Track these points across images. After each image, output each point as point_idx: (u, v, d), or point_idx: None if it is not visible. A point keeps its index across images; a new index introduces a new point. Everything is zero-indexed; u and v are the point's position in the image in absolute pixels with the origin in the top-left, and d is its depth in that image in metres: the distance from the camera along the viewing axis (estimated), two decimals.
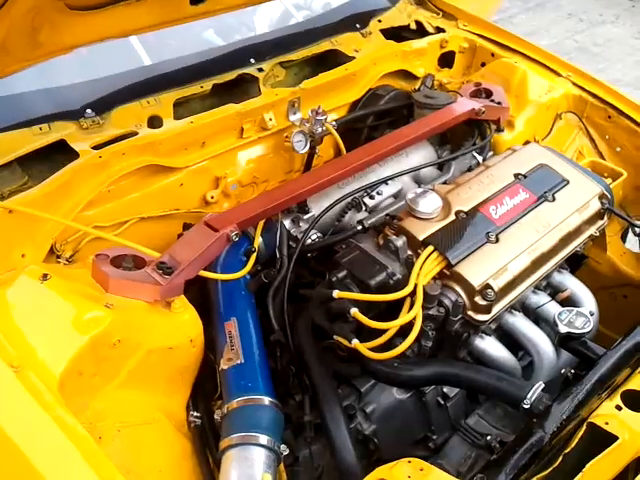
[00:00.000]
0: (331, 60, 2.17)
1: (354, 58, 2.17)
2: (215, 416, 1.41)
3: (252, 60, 2.01)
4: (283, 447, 1.33)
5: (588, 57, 5.87)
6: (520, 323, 1.66)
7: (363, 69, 2.15)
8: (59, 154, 1.69)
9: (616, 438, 1.37)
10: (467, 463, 1.46)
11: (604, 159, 2.24)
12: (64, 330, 1.30)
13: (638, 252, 2.14)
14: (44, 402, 1.16)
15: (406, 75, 2.33)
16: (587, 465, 1.32)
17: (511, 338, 1.66)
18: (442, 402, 1.62)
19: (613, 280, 2.16)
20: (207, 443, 1.43)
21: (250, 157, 1.96)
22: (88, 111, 1.73)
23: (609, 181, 2.04)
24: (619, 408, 1.43)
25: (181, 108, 1.88)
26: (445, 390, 1.62)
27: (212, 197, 1.87)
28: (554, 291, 1.80)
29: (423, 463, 1.22)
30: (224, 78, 1.94)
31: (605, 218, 1.84)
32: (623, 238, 2.31)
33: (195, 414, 1.46)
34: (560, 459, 1.34)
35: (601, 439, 1.38)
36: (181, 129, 1.78)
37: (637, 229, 2.04)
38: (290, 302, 1.61)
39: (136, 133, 1.75)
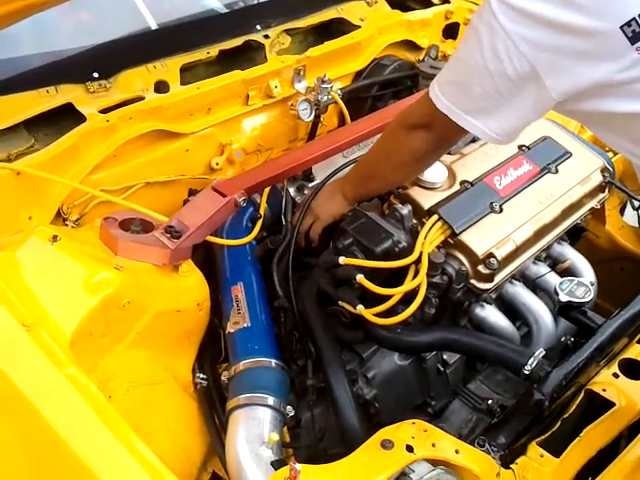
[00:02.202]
0: (336, 29, 2.16)
1: (359, 27, 2.16)
2: (222, 378, 1.43)
3: (258, 27, 2.00)
4: (289, 408, 1.36)
5: None
6: (520, 293, 1.68)
7: (368, 38, 2.14)
8: (66, 117, 1.69)
9: (613, 404, 1.42)
10: (468, 426, 1.49)
11: None
12: (75, 291, 1.31)
13: (636, 226, 2.17)
14: (56, 359, 1.18)
15: (410, 46, 2.32)
16: (584, 430, 1.37)
17: (510, 307, 1.69)
18: (442, 369, 1.65)
19: (611, 253, 2.19)
20: (213, 404, 1.46)
21: (255, 124, 1.96)
22: (95, 74, 1.72)
23: (610, 155, 2.06)
24: (616, 376, 1.47)
25: (187, 74, 1.87)
26: (445, 357, 1.65)
27: (217, 164, 1.87)
28: (553, 262, 1.83)
29: (427, 425, 1.25)
30: (230, 44, 1.93)
31: (606, 191, 1.86)
32: (621, 212, 2.33)
33: (201, 376, 1.49)
34: (559, 424, 1.38)
35: (598, 405, 1.42)
36: (188, 94, 1.78)
37: (636, 203, 2.06)
38: (294, 270, 1.63)
39: (143, 98, 1.75)
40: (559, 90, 1.15)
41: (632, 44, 1.07)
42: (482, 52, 1.16)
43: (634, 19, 1.06)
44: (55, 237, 1.38)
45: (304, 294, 1.59)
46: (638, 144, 1.19)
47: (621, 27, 1.06)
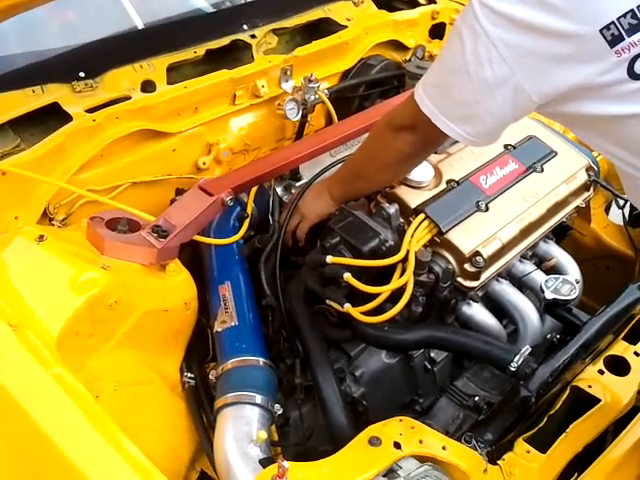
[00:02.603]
0: (323, 28, 2.17)
1: (346, 27, 2.16)
2: (210, 377, 1.43)
3: (245, 26, 2.00)
4: (277, 407, 1.36)
5: None
6: (506, 291, 1.70)
7: (355, 38, 2.15)
8: (52, 117, 1.68)
9: (598, 400, 1.43)
10: (455, 423, 1.50)
11: None
12: (61, 291, 1.31)
13: (621, 225, 2.19)
14: (43, 359, 1.18)
15: (397, 46, 2.33)
16: (571, 425, 1.38)
17: (497, 305, 1.71)
18: (429, 366, 1.66)
19: (596, 252, 2.21)
20: (201, 403, 1.46)
21: (242, 124, 1.96)
22: (81, 74, 1.72)
23: (595, 154, 2.07)
24: (602, 372, 1.48)
25: (174, 73, 1.87)
26: (432, 355, 1.66)
27: (204, 163, 1.87)
28: (539, 260, 1.85)
29: (414, 422, 1.26)
30: (217, 44, 1.93)
31: (591, 190, 1.88)
32: (607, 211, 2.35)
33: (189, 375, 1.49)
34: (545, 420, 1.39)
35: (584, 401, 1.44)
36: (175, 94, 1.78)
37: (621, 201, 2.08)
38: (282, 269, 1.63)
39: (129, 97, 1.74)
40: (539, 93, 1.16)
41: (611, 47, 1.08)
42: (464, 56, 1.17)
43: (613, 22, 1.07)
44: (41, 237, 1.37)
45: (291, 293, 1.59)
46: (619, 146, 1.20)
47: (600, 30, 1.07)
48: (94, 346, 1.35)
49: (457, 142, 1.82)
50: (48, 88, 1.69)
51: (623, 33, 1.07)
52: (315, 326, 1.55)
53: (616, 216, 2.24)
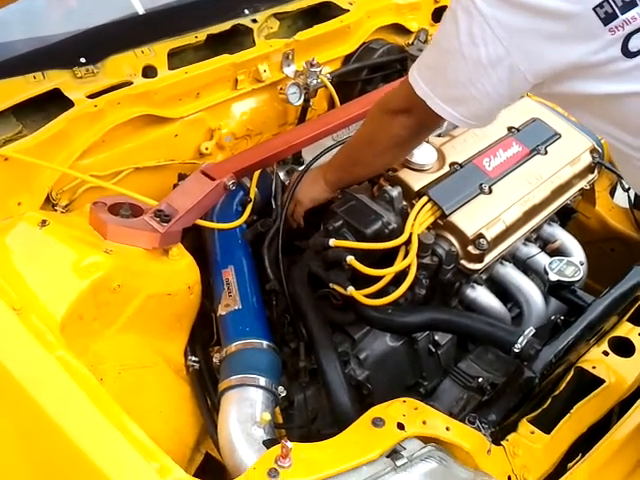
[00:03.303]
0: (325, 12, 2.15)
1: (348, 11, 2.15)
2: (214, 360, 1.44)
3: (246, 11, 1.99)
4: (281, 389, 1.37)
5: None
6: (510, 273, 1.69)
7: (357, 22, 2.13)
8: (53, 103, 1.68)
9: (603, 381, 1.43)
10: (459, 405, 1.50)
11: None
12: (64, 275, 1.31)
13: (626, 207, 2.17)
14: (46, 342, 1.18)
15: (399, 30, 2.31)
16: (575, 406, 1.38)
17: (501, 288, 1.70)
18: (433, 349, 1.66)
19: (601, 234, 2.20)
20: (205, 386, 1.46)
21: (244, 109, 1.95)
22: (82, 60, 1.71)
23: (600, 136, 2.06)
24: (606, 354, 1.48)
25: (175, 59, 1.86)
26: (436, 338, 1.66)
27: (206, 148, 1.87)
28: (544, 243, 1.84)
29: (418, 402, 1.26)
30: (218, 29, 1.92)
31: (595, 172, 1.87)
32: (612, 194, 2.34)
33: (193, 358, 1.49)
34: (549, 401, 1.39)
35: (588, 383, 1.44)
36: (176, 79, 1.77)
37: (626, 184, 2.07)
38: (285, 254, 1.63)
39: (131, 83, 1.74)
40: (534, 73, 1.15)
41: (605, 25, 1.07)
42: (459, 37, 1.16)
43: (606, 0, 1.06)
44: (44, 222, 1.38)
45: (295, 277, 1.59)
46: (615, 126, 1.19)
47: (594, 9, 1.06)
48: (98, 330, 1.35)
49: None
50: (49, 74, 1.68)
51: (617, 10, 1.06)
52: (319, 309, 1.55)
53: (621, 199, 2.23)
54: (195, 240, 1.67)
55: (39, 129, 1.60)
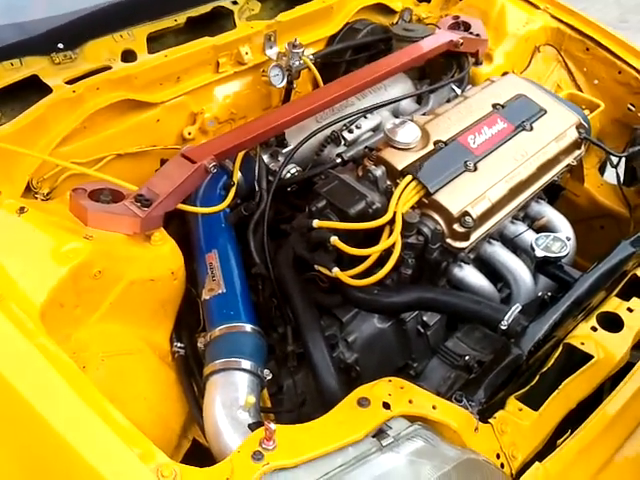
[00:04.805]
0: None
1: None
2: (198, 344, 1.42)
3: None
4: (266, 372, 1.35)
5: None
6: (498, 252, 1.68)
7: (340, 2, 2.11)
8: (32, 91, 1.65)
9: (591, 357, 1.41)
10: (447, 384, 1.49)
11: (582, 92, 2.24)
12: (43, 262, 1.29)
13: (615, 184, 2.16)
14: (26, 330, 1.16)
15: (383, 9, 2.29)
16: (563, 383, 1.36)
17: (490, 268, 1.69)
18: (422, 330, 1.65)
19: (590, 212, 2.19)
20: (191, 372, 1.45)
21: (227, 92, 1.93)
22: (60, 45, 1.69)
23: (587, 112, 2.05)
24: (594, 329, 1.47)
25: (155, 43, 1.84)
26: (425, 318, 1.65)
27: (189, 133, 1.85)
28: (532, 221, 1.82)
29: (404, 382, 1.25)
30: (198, 11, 1.90)
31: (582, 147, 1.85)
32: (601, 171, 2.33)
33: (179, 345, 1.48)
34: (537, 378, 1.38)
35: (577, 359, 1.42)
36: (155, 63, 1.75)
37: (614, 159, 2.05)
38: (271, 238, 1.62)
39: (110, 67, 1.72)
40: None
41: None
42: None
43: None
44: (22, 209, 1.36)
45: (281, 260, 1.58)
46: None
47: None
48: (80, 317, 1.34)
49: (445, 103, 1.82)
50: (26, 61, 1.66)
51: None
52: (305, 292, 1.54)
53: (611, 177, 2.22)
54: (180, 227, 1.65)
55: (17, 116, 1.58)
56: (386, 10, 2.28)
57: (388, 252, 1.47)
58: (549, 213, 1.80)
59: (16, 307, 1.20)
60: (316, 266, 1.50)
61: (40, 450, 1.11)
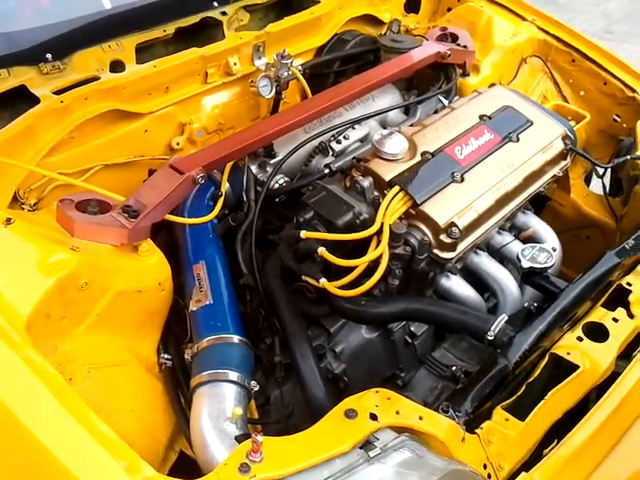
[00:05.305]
0: (296, 4, 2.15)
1: (319, 2, 2.14)
2: (185, 356, 1.42)
3: (215, 3, 1.97)
4: (253, 383, 1.35)
5: (554, 8, 5.84)
6: (484, 262, 1.69)
7: (329, 13, 2.13)
8: (20, 101, 1.65)
9: (577, 367, 1.42)
10: (434, 394, 1.49)
11: (568, 103, 2.26)
12: (29, 273, 1.28)
13: (601, 194, 2.18)
14: (12, 342, 1.16)
15: (372, 20, 2.31)
16: (549, 392, 1.37)
17: (476, 278, 1.70)
18: (409, 340, 1.65)
19: (577, 222, 2.20)
20: (179, 383, 1.45)
21: (215, 103, 1.94)
22: (48, 56, 1.69)
23: (573, 124, 2.06)
24: (580, 339, 1.48)
25: (144, 53, 1.85)
26: (412, 328, 1.65)
27: (177, 143, 1.85)
28: (518, 232, 1.83)
29: (390, 393, 1.25)
30: (187, 22, 1.91)
31: (568, 158, 1.87)
32: (587, 181, 2.34)
33: (166, 356, 1.48)
34: (523, 388, 1.39)
35: (563, 369, 1.43)
36: (144, 73, 1.75)
37: (600, 170, 2.07)
38: (259, 249, 1.62)
39: (98, 78, 1.72)
40: None
41: None
42: None
43: None
44: (9, 220, 1.35)
45: (268, 271, 1.58)
46: None
47: None
48: (67, 328, 1.33)
49: (432, 114, 1.83)
50: (14, 71, 1.66)
51: None
52: (293, 303, 1.54)
53: (597, 188, 2.23)
54: (168, 238, 1.65)
55: (5, 127, 1.58)
56: (374, 21, 2.30)
57: (376, 263, 1.48)
58: (535, 224, 1.81)
59: (2, 319, 1.19)
60: (304, 277, 1.51)
61: (25, 463, 1.11)
